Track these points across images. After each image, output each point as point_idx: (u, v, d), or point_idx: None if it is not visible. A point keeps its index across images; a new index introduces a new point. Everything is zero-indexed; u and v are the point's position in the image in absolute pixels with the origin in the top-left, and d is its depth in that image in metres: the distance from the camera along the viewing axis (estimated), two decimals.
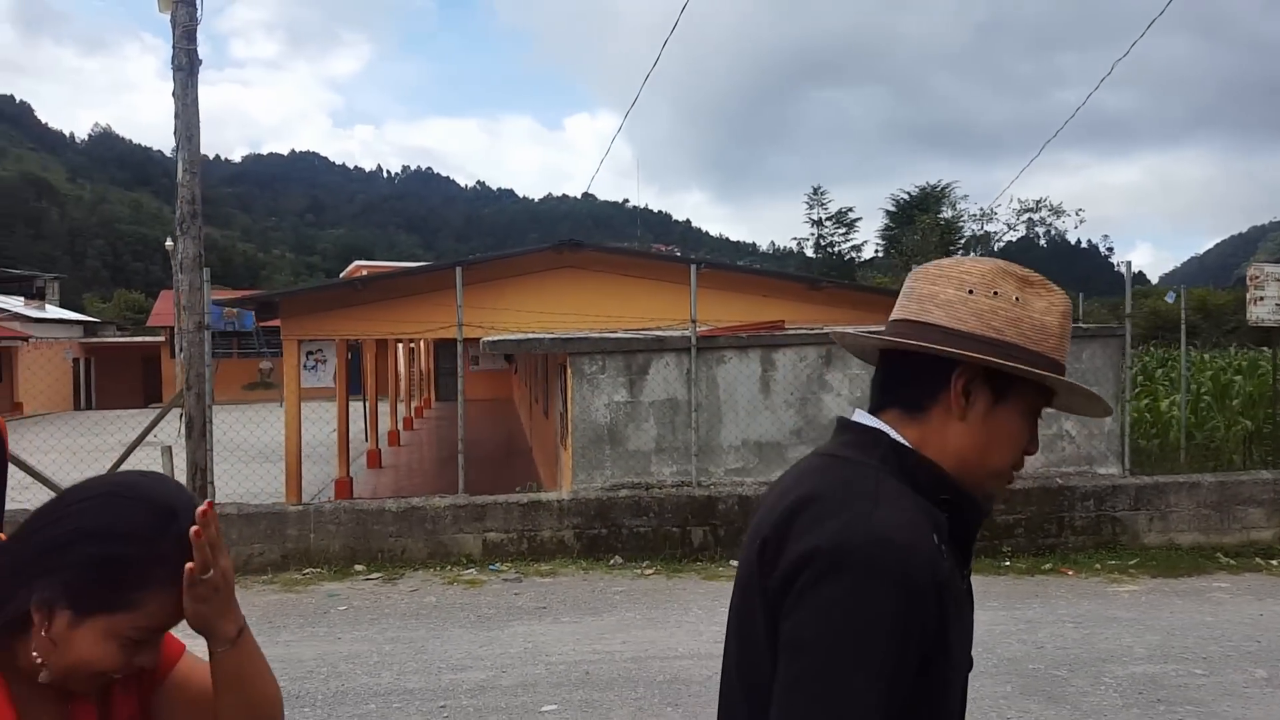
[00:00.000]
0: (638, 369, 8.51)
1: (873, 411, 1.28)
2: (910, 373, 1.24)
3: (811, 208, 46.91)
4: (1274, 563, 8.74)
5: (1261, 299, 9.43)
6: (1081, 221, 35.54)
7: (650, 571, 7.80)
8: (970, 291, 1.22)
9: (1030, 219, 37.21)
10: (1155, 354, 19.47)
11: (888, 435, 1.23)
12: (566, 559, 8.07)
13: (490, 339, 8.66)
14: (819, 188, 50.83)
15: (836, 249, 51.64)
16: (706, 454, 8.66)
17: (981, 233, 36.74)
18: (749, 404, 8.71)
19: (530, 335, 8.89)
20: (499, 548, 8.06)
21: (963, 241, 36.57)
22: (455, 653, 5.95)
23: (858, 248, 51.13)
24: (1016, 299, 1.22)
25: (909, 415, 1.24)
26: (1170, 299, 13.23)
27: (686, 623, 6.46)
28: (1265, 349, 16.82)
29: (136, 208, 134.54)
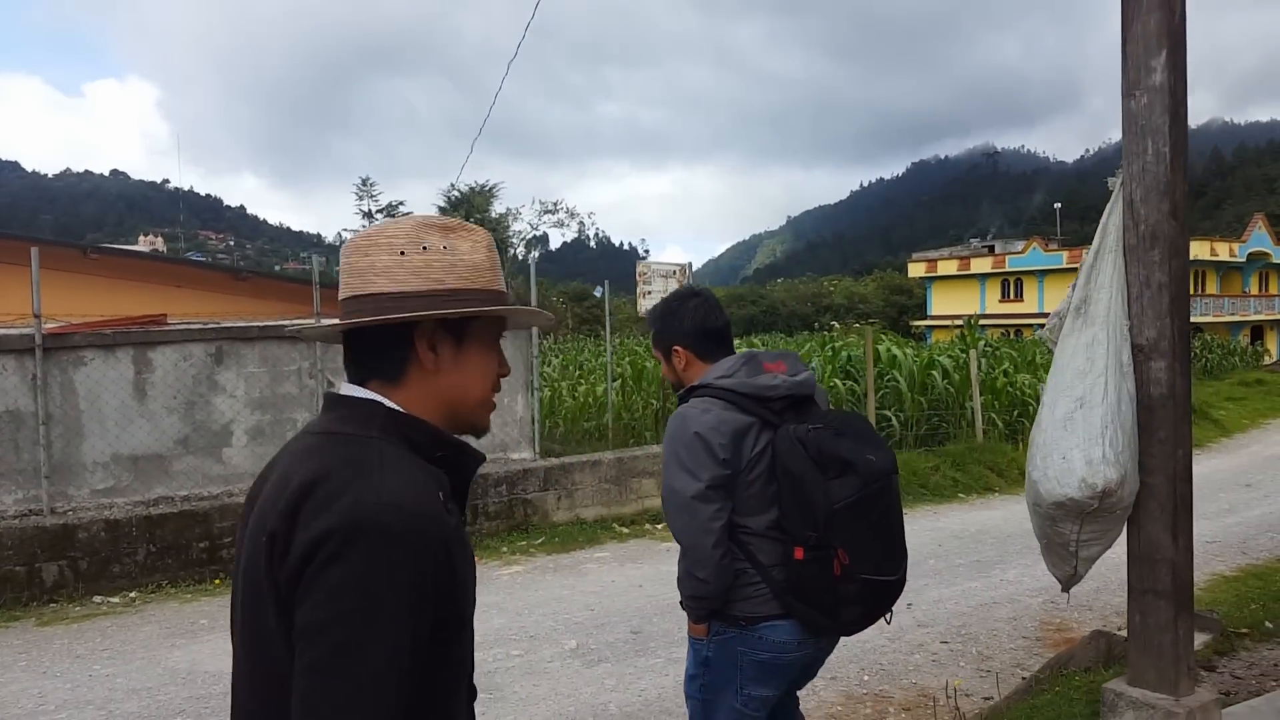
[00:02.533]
0: None
1: (358, 385, 1.29)
2: (376, 346, 1.28)
3: (361, 199, 45.46)
4: (659, 526, 9.75)
5: (649, 294, 10.45)
6: (592, 225, 38.62)
7: None
8: (402, 253, 1.27)
9: (571, 221, 39.30)
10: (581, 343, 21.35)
11: (383, 404, 1.26)
12: None
13: None
14: (368, 179, 49.09)
15: None
16: (65, 474, 7.49)
17: (541, 233, 38.16)
18: (120, 412, 7.69)
19: None
20: None
21: (522, 241, 37.63)
22: None
23: None
24: (445, 247, 1.28)
25: (391, 383, 1.28)
26: (599, 293, 14.27)
27: None
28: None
29: None
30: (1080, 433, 2.28)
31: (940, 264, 53.70)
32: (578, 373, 16.39)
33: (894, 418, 12.99)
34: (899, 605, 2.45)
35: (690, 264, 11.30)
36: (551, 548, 8.79)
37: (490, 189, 40.88)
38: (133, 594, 7.27)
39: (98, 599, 7.14)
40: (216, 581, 7.54)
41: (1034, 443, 2.87)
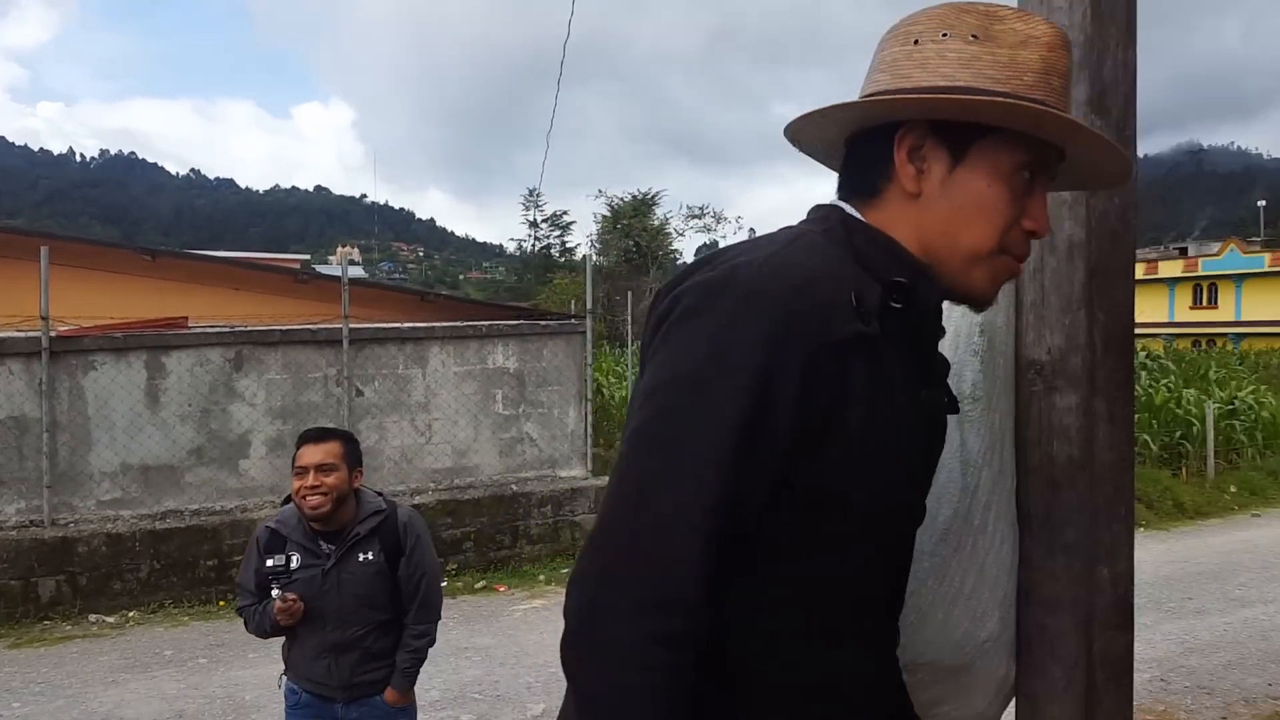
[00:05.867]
0: None
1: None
2: (859, 156, 1.06)
3: (527, 209, 46.60)
4: None
5: None
6: (740, 228, 37.45)
7: None
8: (915, 42, 1.00)
9: (717, 226, 38.49)
10: None
11: (842, 209, 1.04)
12: None
13: None
14: (534, 190, 50.09)
15: (550, 249, 51.48)
16: (69, 484, 7.20)
17: (711, 240, 37.86)
18: (130, 420, 7.36)
19: None
20: None
21: (679, 248, 37.48)
22: None
23: (570, 250, 51.08)
24: (975, 35, 0.98)
25: (864, 202, 1.04)
26: None
27: None
28: None
29: None
30: (970, 579, 1.21)
31: None
32: None
33: None
34: None
35: None
36: None
37: (651, 197, 40.49)
38: (131, 613, 6.89)
39: (94, 618, 6.79)
40: (221, 603, 7.08)
41: None
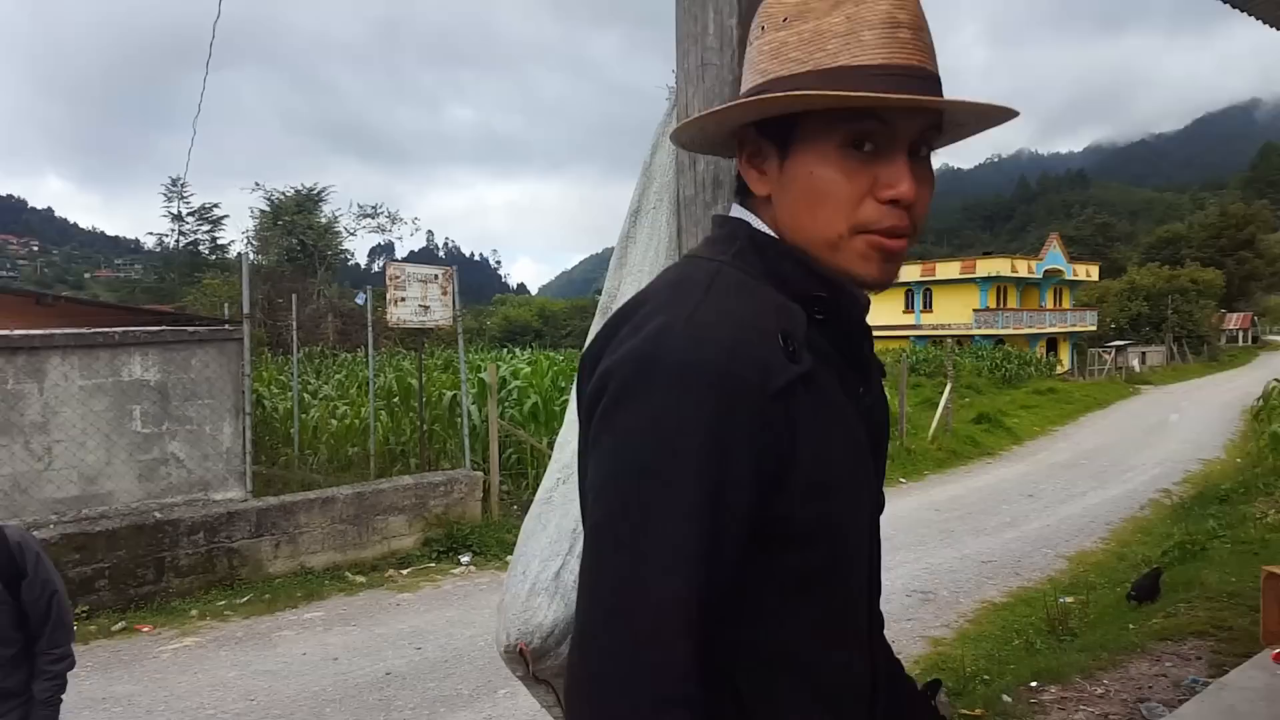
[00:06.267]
0: None
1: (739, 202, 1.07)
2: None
3: (170, 200, 42.35)
4: (405, 572, 8.38)
5: (403, 300, 9.10)
6: (417, 230, 37.09)
7: None
8: (751, 44, 1.00)
9: (392, 226, 37.36)
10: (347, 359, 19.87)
11: (748, 225, 1.01)
12: None
13: None
14: (178, 179, 45.41)
15: (198, 245, 47.25)
16: None
17: (386, 241, 36.47)
18: None
19: None
20: None
21: (352, 248, 35.81)
22: None
23: (223, 247, 47.07)
24: (784, 20, 0.95)
25: (751, 205, 1.03)
26: (360, 301, 12.91)
27: None
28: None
29: None
30: (551, 530, 1.29)
31: None
32: (355, 390, 14.75)
33: None
34: None
35: (454, 269, 10.02)
36: (255, 609, 7.25)
37: (317, 193, 38.38)
38: None
39: None
40: None
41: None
